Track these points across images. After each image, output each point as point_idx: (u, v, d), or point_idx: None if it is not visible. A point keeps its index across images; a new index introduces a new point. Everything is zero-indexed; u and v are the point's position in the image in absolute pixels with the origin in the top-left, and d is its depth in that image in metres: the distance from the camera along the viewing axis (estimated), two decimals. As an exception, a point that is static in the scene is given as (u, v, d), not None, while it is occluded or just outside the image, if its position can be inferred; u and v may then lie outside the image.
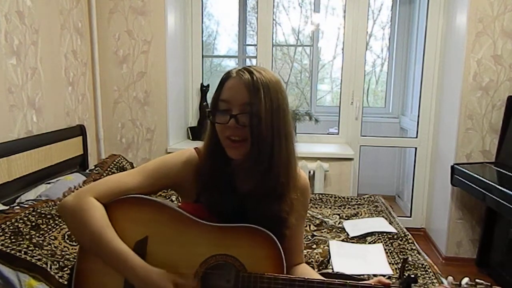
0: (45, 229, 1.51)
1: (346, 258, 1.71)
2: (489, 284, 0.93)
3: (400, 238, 1.90)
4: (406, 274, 0.97)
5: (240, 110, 0.99)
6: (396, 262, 1.70)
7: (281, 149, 1.02)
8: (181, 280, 0.98)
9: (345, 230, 2.03)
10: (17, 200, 1.85)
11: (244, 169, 1.05)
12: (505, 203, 2.07)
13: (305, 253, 1.70)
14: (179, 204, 1.19)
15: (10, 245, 1.32)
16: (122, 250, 0.98)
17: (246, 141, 1.00)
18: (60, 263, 1.36)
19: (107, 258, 0.98)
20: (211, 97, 1.07)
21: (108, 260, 0.99)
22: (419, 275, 1.57)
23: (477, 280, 0.94)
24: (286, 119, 1.04)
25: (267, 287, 0.99)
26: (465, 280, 0.94)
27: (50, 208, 1.63)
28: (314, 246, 1.84)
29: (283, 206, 1.06)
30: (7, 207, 1.62)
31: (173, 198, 2.16)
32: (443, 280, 1.51)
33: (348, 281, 1.00)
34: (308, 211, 2.18)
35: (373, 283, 1.01)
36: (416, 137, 3.34)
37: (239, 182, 1.07)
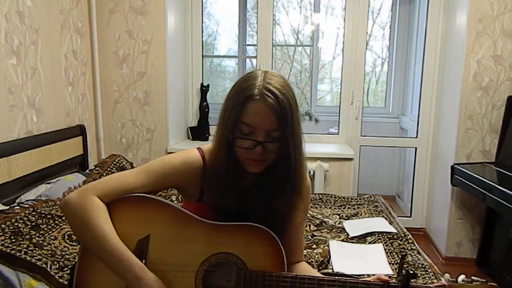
0: (45, 229, 1.51)
1: (346, 258, 1.71)
2: (485, 280, 0.94)
3: (400, 238, 1.90)
4: (405, 271, 0.97)
5: (266, 137, 0.98)
6: (396, 262, 1.70)
7: (300, 161, 1.04)
8: None
9: (345, 230, 2.03)
10: (17, 200, 1.84)
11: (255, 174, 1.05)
12: (505, 203, 2.07)
13: (305, 253, 1.70)
14: (181, 204, 1.19)
15: (10, 245, 1.32)
16: (123, 251, 0.98)
17: (267, 160, 1.02)
18: (60, 263, 1.36)
19: (106, 257, 0.98)
20: (224, 112, 1.02)
21: (106, 260, 0.99)
22: (419, 275, 1.57)
23: (473, 277, 0.95)
24: (301, 128, 1.05)
25: (268, 285, 1.00)
26: (461, 277, 0.95)
27: (50, 208, 1.63)
28: (314, 246, 1.84)
29: (292, 203, 1.08)
30: (7, 207, 1.61)
31: (173, 198, 2.16)
32: (443, 280, 1.51)
33: (348, 278, 1.00)
34: (308, 211, 2.18)
35: (372, 280, 1.01)
36: (416, 137, 3.34)
37: (244, 179, 1.08)
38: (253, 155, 0.99)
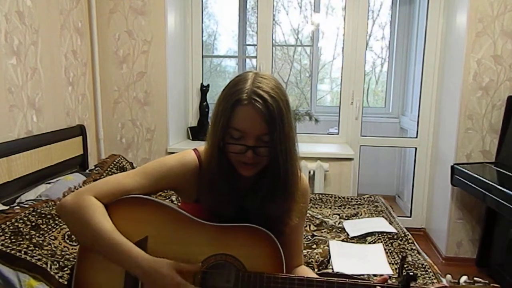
0: (45, 229, 1.51)
1: (346, 258, 1.71)
2: (487, 282, 0.94)
3: (400, 238, 1.90)
4: (405, 272, 0.97)
5: (256, 142, 0.97)
6: (396, 262, 1.70)
7: (292, 166, 1.03)
8: (184, 266, 0.99)
9: (345, 230, 2.03)
10: (17, 200, 1.84)
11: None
12: (505, 203, 2.07)
13: (305, 253, 1.70)
14: (179, 204, 1.19)
15: (10, 245, 1.32)
16: (124, 242, 0.98)
17: (260, 163, 1.01)
18: (60, 263, 1.36)
19: (109, 252, 0.99)
20: (214, 116, 1.01)
21: (110, 254, 0.99)
22: (419, 275, 1.57)
23: (475, 278, 0.95)
24: (294, 132, 1.03)
25: (267, 286, 1.00)
26: (464, 278, 0.95)
27: (50, 208, 1.63)
28: (314, 246, 1.84)
29: (285, 207, 1.07)
30: (7, 207, 1.61)
31: (173, 198, 2.16)
32: (443, 280, 1.51)
33: (347, 280, 1.00)
34: (308, 211, 2.18)
35: (372, 282, 1.01)
36: (416, 137, 3.34)
37: (240, 181, 1.07)
38: (245, 159, 0.99)
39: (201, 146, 1.12)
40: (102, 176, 2.11)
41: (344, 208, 2.43)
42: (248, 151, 0.97)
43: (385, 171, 4.27)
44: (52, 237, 1.49)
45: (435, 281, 1.52)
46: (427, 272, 1.59)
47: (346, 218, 2.22)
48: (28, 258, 1.31)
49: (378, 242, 1.87)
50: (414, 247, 1.82)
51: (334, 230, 2.05)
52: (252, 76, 1.00)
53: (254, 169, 1.02)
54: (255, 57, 3.33)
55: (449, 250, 2.90)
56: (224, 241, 1.03)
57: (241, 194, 1.07)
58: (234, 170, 1.03)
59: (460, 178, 2.57)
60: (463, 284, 0.94)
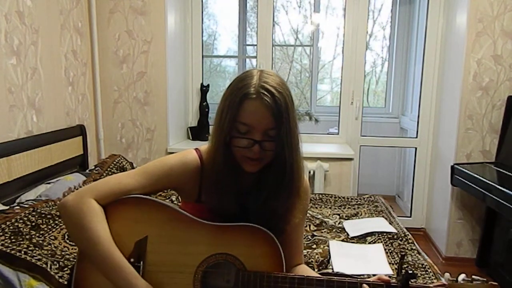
0: (45, 229, 1.51)
1: (346, 258, 1.71)
2: (485, 279, 0.94)
3: (400, 238, 1.90)
4: (404, 271, 0.97)
5: (263, 136, 0.98)
6: (396, 262, 1.70)
7: (297, 161, 1.04)
8: None
9: (345, 230, 2.03)
10: (17, 200, 1.84)
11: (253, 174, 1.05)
12: (505, 203, 2.07)
13: (305, 253, 1.70)
14: (179, 204, 1.19)
15: (10, 245, 1.32)
16: (118, 256, 0.98)
17: (264, 158, 1.01)
18: (60, 263, 1.36)
19: (100, 262, 0.99)
20: (220, 111, 1.01)
21: (101, 265, 0.99)
22: (419, 275, 1.57)
23: (473, 276, 0.95)
24: (298, 129, 1.04)
25: (267, 286, 1.00)
26: (462, 276, 0.95)
27: (50, 208, 1.63)
28: (314, 246, 1.84)
29: (289, 205, 1.07)
30: (7, 207, 1.61)
31: (173, 198, 2.16)
32: (442, 279, 1.51)
33: (347, 279, 1.00)
34: (308, 211, 2.18)
35: (372, 281, 1.01)
36: (416, 137, 3.34)
37: (243, 179, 1.07)
38: (251, 154, 0.99)
39: (203, 145, 1.12)
40: (102, 176, 2.11)
41: (344, 208, 2.43)
42: (255, 146, 0.97)
43: (385, 171, 4.27)
44: (52, 237, 1.49)
45: (435, 281, 1.52)
46: (427, 272, 1.59)
47: (346, 218, 2.22)
48: (28, 258, 1.31)
49: (378, 242, 1.87)
50: (414, 247, 1.82)
51: (334, 230, 2.05)
52: (258, 72, 1.01)
53: (259, 164, 1.02)
54: (255, 57, 3.33)
55: (449, 250, 2.90)
56: (224, 240, 1.03)
57: (244, 192, 1.07)
58: (238, 166, 1.03)
59: (460, 178, 2.57)
60: (461, 282, 0.95)
